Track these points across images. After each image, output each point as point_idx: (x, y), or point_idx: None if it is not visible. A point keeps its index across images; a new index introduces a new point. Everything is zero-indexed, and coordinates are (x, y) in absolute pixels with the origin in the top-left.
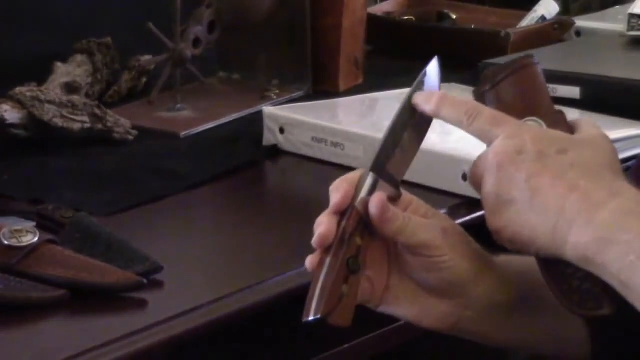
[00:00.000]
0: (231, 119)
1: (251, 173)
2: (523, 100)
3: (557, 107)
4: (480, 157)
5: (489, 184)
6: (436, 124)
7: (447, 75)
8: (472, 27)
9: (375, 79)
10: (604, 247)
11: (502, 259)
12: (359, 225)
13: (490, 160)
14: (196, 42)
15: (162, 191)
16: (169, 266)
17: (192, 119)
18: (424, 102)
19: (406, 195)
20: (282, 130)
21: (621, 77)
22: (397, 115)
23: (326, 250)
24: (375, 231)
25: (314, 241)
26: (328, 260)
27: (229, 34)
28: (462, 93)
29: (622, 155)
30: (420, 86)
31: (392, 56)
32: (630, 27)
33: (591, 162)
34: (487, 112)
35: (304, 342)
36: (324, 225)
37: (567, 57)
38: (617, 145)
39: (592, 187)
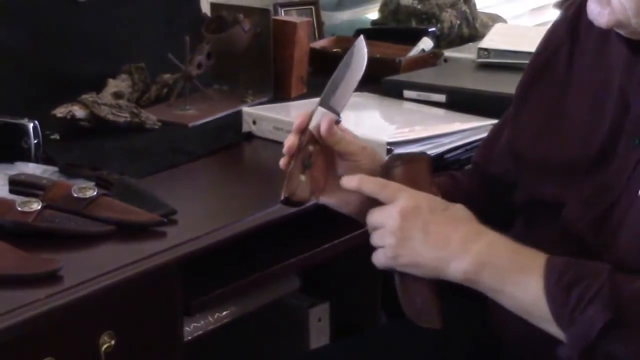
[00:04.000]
0: (222, 115)
1: (234, 150)
2: (411, 182)
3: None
4: (382, 210)
5: (395, 227)
6: (350, 118)
7: (362, 87)
8: (377, 56)
9: (314, 90)
10: (481, 269)
11: None
12: (311, 139)
13: (395, 211)
14: (199, 66)
15: (177, 161)
16: (181, 210)
17: (196, 115)
18: (349, 182)
19: (343, 127)
20: (254, 122)
21: (472, 88)
22: (336, 71)
23: (291, 156)
24: (322, 142)
25: (284, 150)
26: (292, 162)
27: (220, 60)
28: (371, 98)
29: (469, 139)
30: (350, 56)
31: (325, 75)
32: (479, 56)
33: (463, 216)
34: (393, 184)
35: (277, 254)
36: (289, 140)
37: (438, 75)
38: (467, 133)
39: (467, 230)
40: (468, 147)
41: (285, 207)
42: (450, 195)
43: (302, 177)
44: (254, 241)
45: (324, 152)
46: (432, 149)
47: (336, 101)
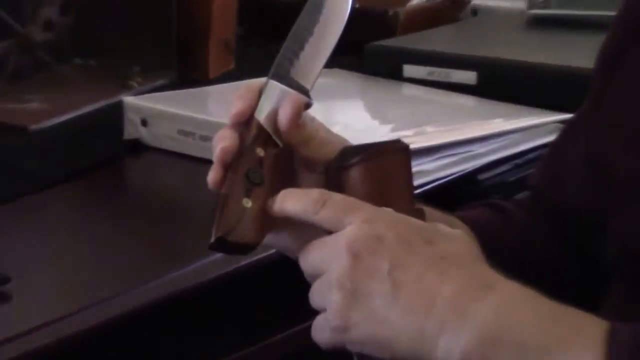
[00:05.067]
0: (88, 111)
1: (111, 170)
2: (376, 192)
3: (419, 205)
4: (323, 244)
5: (341, 273)
6: (314, 112)
7: (333, 59)
8: (357, 5)
9: (249, 64)
10: (491, 348)
11: None
12: (260, 135)
13: (341, 247)
14: (48, 25)
15: (11, 192)
16: (17, 277)
17: (43, 111)
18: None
19: (312, 116)
20: (144, 123)
21: (521, 59)
22: (300, 19)
23: (227, 167)
24: (281, 142)
25: (216, 156)
26: (229, 176)
27: (85, 15)
28: (347, 79)
29: (522, 147)
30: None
31: (266, 39)
32: (532, 5)
33: (463, 254)
34: (338, 197)
35: (192, 351)
36: (226, 139)
37: (462, 39)
38: (516, 136)
39: (466, 278)
40: (519, 161)
41: (212, 262)
42: (496, 239)
43: (248, 202)
44: (149, 328)
45: (281, 158)
46: (457, 165)
47: (301, 72)
